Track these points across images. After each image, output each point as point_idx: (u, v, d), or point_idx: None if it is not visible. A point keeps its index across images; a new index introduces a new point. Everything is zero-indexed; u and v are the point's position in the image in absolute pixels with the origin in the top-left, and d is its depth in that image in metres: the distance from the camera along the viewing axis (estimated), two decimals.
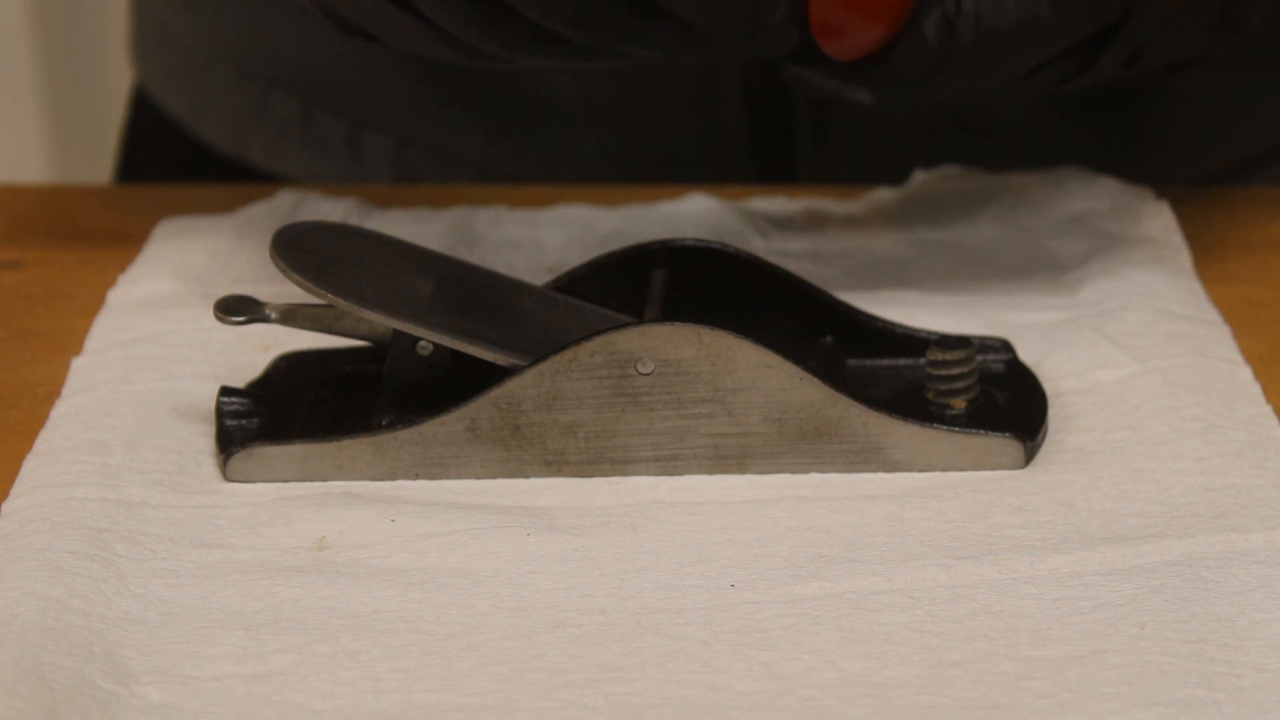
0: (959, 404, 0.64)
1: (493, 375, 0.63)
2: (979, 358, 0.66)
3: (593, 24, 0.64)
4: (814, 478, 0.63)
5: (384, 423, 0.63)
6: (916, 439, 0.63)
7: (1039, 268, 0.76)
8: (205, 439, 0.65)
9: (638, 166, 0.85)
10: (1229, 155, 0.88)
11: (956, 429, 0.63)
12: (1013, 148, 0.84)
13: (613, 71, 0.71)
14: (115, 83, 1.55)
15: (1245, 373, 0.68)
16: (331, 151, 0.89)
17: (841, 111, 0.83)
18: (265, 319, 0.64)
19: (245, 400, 0.65)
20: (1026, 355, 0.68)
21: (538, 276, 0.71)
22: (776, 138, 0.85)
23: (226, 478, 0.63)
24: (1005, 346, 0.67)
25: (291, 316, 0.65)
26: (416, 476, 0.63)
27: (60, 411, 0.66)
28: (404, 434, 0.63)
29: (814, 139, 0.84)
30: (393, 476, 0.63)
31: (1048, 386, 0.66)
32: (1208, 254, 0.76)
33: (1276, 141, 0.88)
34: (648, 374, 0.62)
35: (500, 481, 0.63)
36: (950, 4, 0.65)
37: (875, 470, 0.63)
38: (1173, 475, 0.62)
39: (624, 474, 0.63)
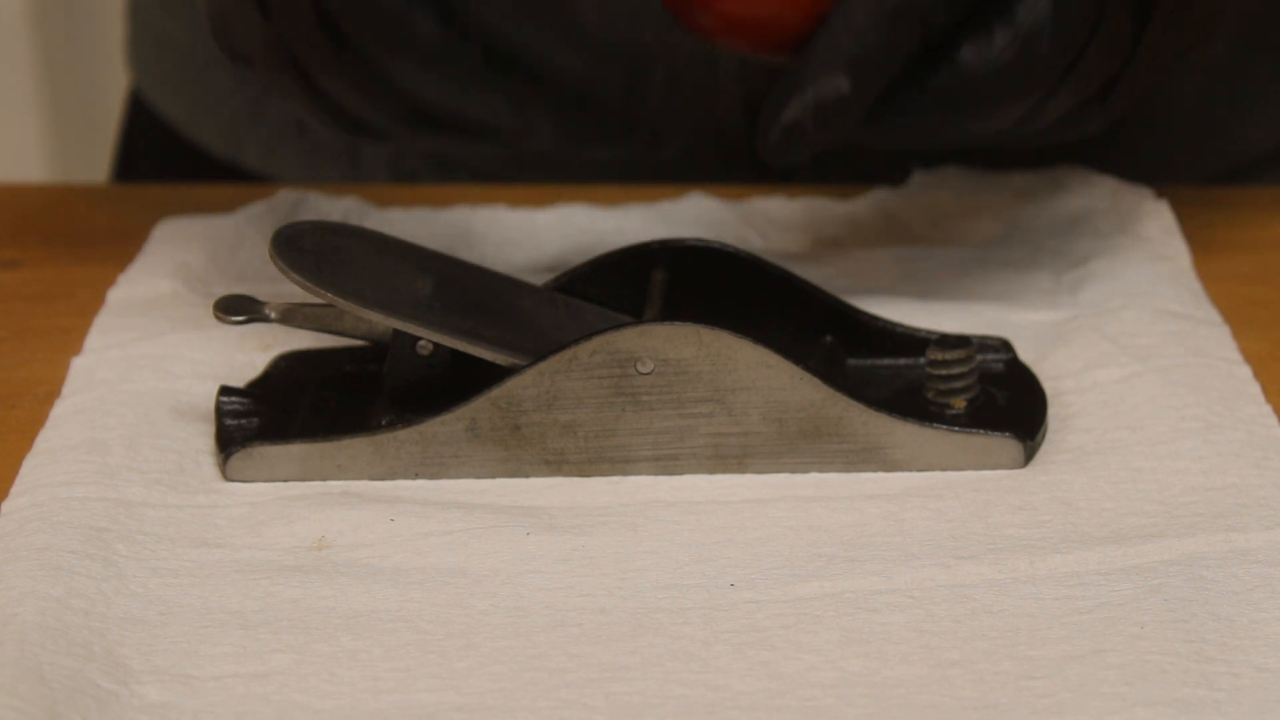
0: (959, 403, 0.64)
1: (493, 375, 0.63)
2: (979, 357, 0.66)
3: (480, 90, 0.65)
4: (814, 477, 0.63)
5: (384, 422, 0.63)
6: (916, 438, 0.63)
7: (1039, 267, 0.75)
8: (205, 439, 0.65)
9: (636, 167, 0.85)
10: (1226, 159, 0.88)
11: (956, 429, 0.63)
12: (1011, 148, 0.83)
13: None
14: (112, 86, 1.56)
15: (1245, 372, 0.67)
16: (328, 156, 0.89)
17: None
18: (265, 319, 0.64)
19: (245, 400, 0.65)
20: (1026, 355, 0.68)
21: (538, 276, 0.71)
22: None
23: (226, 477, 0.63)
24: (1005, 346, 0.67)
25: (291, 316, 0.65)
26: (416, 476, 0.63)
27: (60, 411, 0.66)
28: (404, 434, 0.63)
29: None
30: (392, 476, 0.63)
31: (1047, 386, 0.66)
32: (1208, 254, 0.76)
33: (1273, 146, 0.88)
34: (647, 374, 0.62)
35: (500, 481, 0.63)
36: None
37: (875, 470, 0.63)
38: (1173, 475, 0.62)
39: (623, 473, 0.63)
